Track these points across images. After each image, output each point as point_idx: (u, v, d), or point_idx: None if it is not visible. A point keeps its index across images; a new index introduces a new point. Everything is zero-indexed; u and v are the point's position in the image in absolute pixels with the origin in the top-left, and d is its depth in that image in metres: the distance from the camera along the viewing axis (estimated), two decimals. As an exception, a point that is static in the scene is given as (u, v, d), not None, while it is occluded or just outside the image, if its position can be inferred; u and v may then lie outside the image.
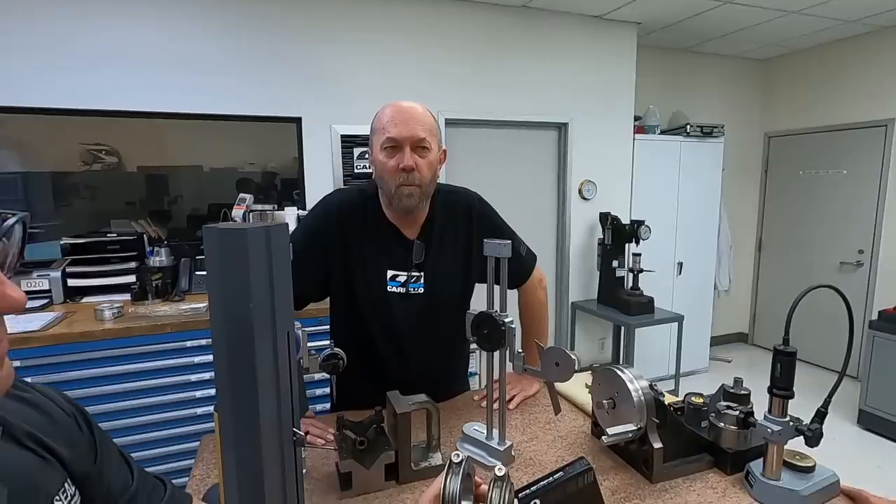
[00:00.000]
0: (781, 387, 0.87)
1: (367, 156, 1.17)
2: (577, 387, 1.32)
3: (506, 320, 0.96)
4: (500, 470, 0.58)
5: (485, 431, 1.06)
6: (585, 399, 1.26)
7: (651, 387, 0.98)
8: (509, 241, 0.96)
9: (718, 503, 0.90)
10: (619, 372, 0.99)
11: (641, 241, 3.20)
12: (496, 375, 1.04)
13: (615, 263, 3.30)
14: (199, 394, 2.02)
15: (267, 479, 0.75)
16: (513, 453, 1.04)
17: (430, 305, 1.20)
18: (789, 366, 0.87)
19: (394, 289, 1.18)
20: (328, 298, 1.25)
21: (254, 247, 0.70)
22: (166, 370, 1.98)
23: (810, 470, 0.92)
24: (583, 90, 3.41)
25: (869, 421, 3.07)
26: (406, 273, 1.19)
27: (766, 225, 4.71)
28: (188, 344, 1.99)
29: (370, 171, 1.18)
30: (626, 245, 3.31)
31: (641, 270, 3.24)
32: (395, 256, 1.18)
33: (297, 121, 2.78)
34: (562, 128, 3.43)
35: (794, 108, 4.40)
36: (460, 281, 1.24)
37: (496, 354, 1.00)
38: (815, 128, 4.23)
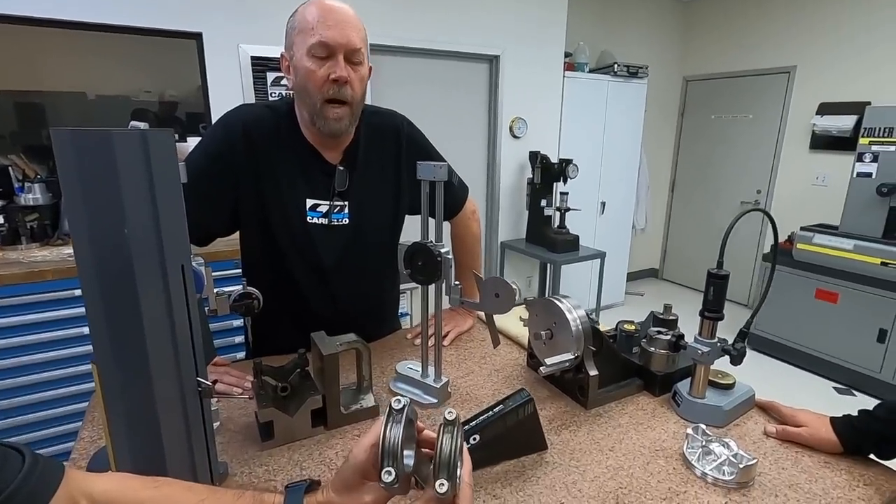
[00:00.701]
0: (713, 309, 0.88)
1: (281, 61, 0.97)
2: (512, 320, 1.30)
3: (442, 251, 0.88)
4: (450, 413, 0.51)
5: (419, 369, 1.00)
6: (520, 332, 1.25)
7: (587, 316, 0.96)
8: (445, 163, 0.86)
9: (648, 423, 0.92)
10: (557, 302, 0.96)
11: (569, 179, 3.24)
12: (431, 310, 0.97)
13: (543, 203, 3.33)
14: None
15: (166, 435, 0.64)
16: (449, 390, 0.99)
17: (356, 238, 1.09)
18: (721, 289, 0.87)
19: (314, 220, 1.05)
20: (238, 234, 1.10)
21: (125, 156, 0.54)
22: (49, 323, 1.73)
23: (731, 387, 0.96)
24: (515, 22, 3.26)
25: (758, 342, 3.46)
26: (328, 202, 1.06)
27: (680, 167, 4.98)
28: (77, 293, 1.74)
29: (286, 84, 1.01)
30: (555, 184, 3.34)
31: (568, 209, 3.30)
32: (314, 183, 1.05)
33: (198, 37, 2.41)
34: (493, 61, 3.29)
35: (711, 53, 4.55)
36: (389, 211, 1.13)
37: (432, 288, 0.93)
38: (729, 73, 4.43)
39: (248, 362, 1.12)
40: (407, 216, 1.20)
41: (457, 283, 0.90)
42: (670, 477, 0.78)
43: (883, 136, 2.85)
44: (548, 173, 3.28)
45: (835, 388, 3.11)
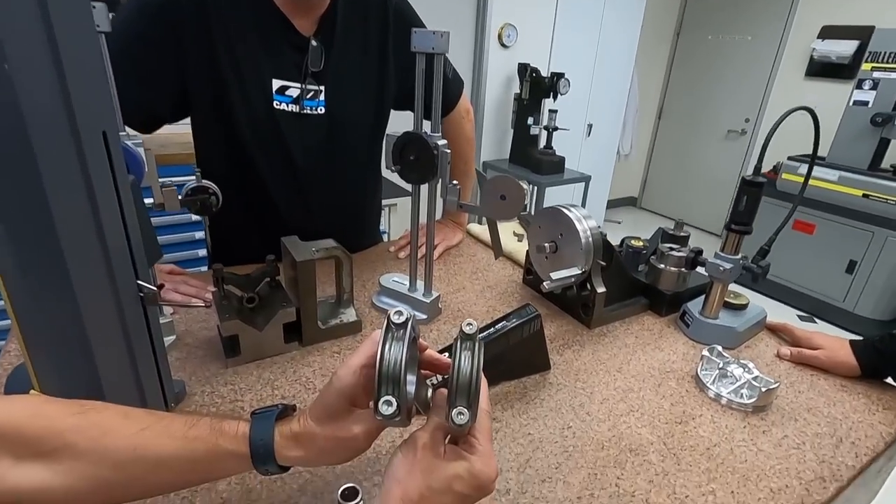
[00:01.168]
0: (742, 222, 0.79)
1: None
2: (506, 235, 1.19)
3: (439, 142, 0.73)
4: (469, 326, 0.40)
5: (406, 282, 0.89)
6: (514, 248, 1.14)
7: (598, 227, 0.85)
8: (447, 31, 0.69)
9: (656, 344, 0.85)
10: (565, 211, 0.85)
11: (560, 95, 3.03)
12: (423, 217, 0.84)
13: (530, 120, 3.13)
14: None
15: (100, 352, 0.51)
16: (439, 305, 0.89)
17: (333, 131, 0.93)
18: (756, 198, 0.77)
19: (283, 106, 0.88)
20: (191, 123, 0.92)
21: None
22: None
23: (744, 307, 0.89)
24: None
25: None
26: (299, 85, 0.88)
27: (670, 93, 4.79)
28: None
29: None
30: (543, 101, 3.13)
31: (556, 128, 3.12)
32: (283, 60, 0.86)
33: None
34: (484, -46, 2.93)
35: (716, -36, 4.22)
36: (373, 100, 0.96)
37: (424, 189, 0.79)
38: (732, -12, 4.14)
39: (209, 273, 0.99)
40: (393, 112, 1.03)
41: (454, 182, 0.76)
42: (683, 399, 0.71)
43: (887, 62, 2.72)
44: (537, 88, 3.06)
45: (798, 315, 3.22)
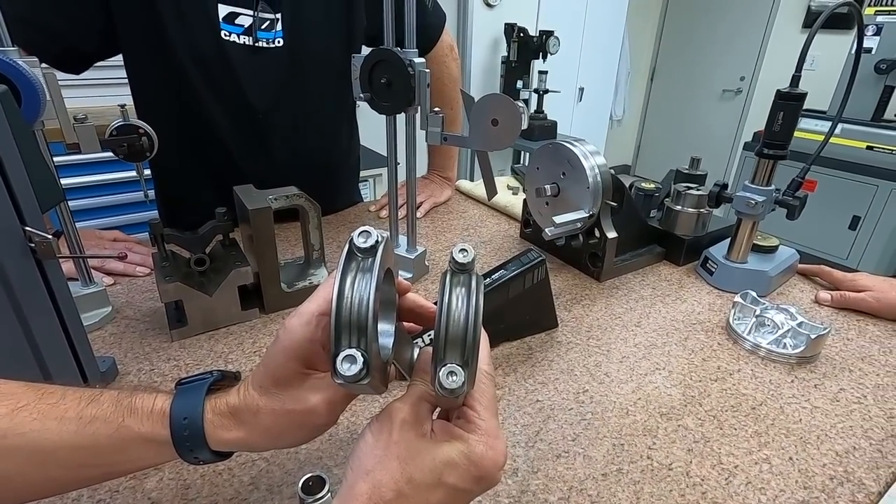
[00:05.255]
0: (777, 143, 0.67)
1: None
2: (498, 187, 1.07)
3: (415, 60, 0.60)
4: (463, 253, 0.28)
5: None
6: (508, 201, 1.02)
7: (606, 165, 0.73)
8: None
9: (677, 294, 0.74)
10: (570, 146, 0.72)
11: (550, 55, 2.88)
12: (401, 155, 0.71)
13: (520, 84, 2.98)
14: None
15: (-27, 318, 0.39)
16: (426, 263, 0.78)
17: (295, 67, 0.80)
18: (794, 114, 0.65)
19: (233, 38, 0.74)
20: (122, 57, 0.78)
21: None
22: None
23: (774, 249, 0.78)
24: None
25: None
26: (251, 13, 0.74)
27: (662, 52, 4.63)
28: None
29: None
30: (532, 62, 2.97)
31: (547, 91, 2.97)
32: None
33: None
34: None
35: (707, -86, 4.02)
36: (340, 29, 0.83)
37: (401, 119, 0.66)
38: (725, -62, 3.96)
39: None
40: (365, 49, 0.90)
41: (436, 109, 0.63)
42: (716, 353, 0.61)
43: (891, 6, 2.59)
44: (525, 49, 2.90)
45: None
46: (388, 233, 0.27)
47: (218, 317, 0.61)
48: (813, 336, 0.57)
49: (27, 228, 0.41)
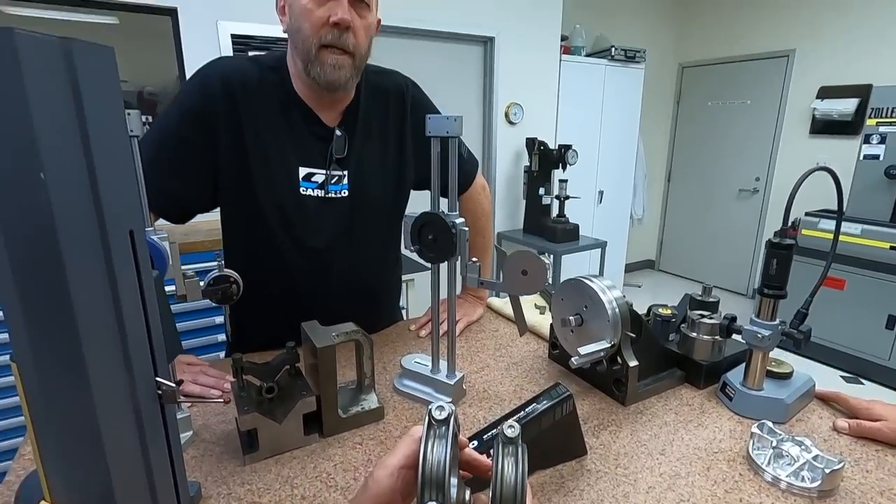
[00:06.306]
0: (775, 286, 0.76)
1: (277, 2, 0.82)
2: (526, 307, 1.16)
3: (456, 221, 0.74)
4: (511, 429, 0.38)
5: (429, 364, 0.86)
6: (536, 320, 1.11)
7: (623, 297, 0.83)
8: (461, 115, 0.72)
9: (699, 420, 0.79)
10: (588, 282, 0.83)
11: (569, 165, 3.11)
12: (443, 293, 0.83)
13: (542, 191, 3.20)
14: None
15: (113, 454, 0.49)
16: (464, 386, 0.86)
17: (355, 213, 0.95)
18: (786, 261, 0.74)
19: (309, 191, 0.91)
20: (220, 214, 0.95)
21: (37, 71, 0.39)
22: None
23: (789, 376, 0.83)
24: (510, 2, 3.12)
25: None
26: (324, 171, 0.91)
27: (676, 155, 4.89)
28: None
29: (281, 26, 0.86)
30: (553, 171, 3.21)
31: (568, 197, 3.17)
32: (309, 149, 0.90)
33: (172, 13, 2.24)
34: (488, 42, 3.15)
35: (707, 39, 4.46)
36: (393, 182, 0.99)
37: (443, 268, 0.79)
38: (725, 58, 4.35)
39: (227, 361, 0.97)
40: (413, 193, 1.06)
41: (474, 259, 0.75)
42: (738, 486, 0.65)
43: (891, 117, 2.76)
44: (546, 160, 3.15)
45: (842, 376, 3.03)
46: (454, 406, 0.37)
47: (284, 442, 0.70)
48: (828, 470, 0.61)
49: (158, 379, 0.52)
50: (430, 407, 0.37)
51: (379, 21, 0.89)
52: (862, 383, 2.96)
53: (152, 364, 0.52)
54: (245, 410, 0.67)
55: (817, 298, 0.79)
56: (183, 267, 0.72)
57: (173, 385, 0.53)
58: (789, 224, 0.74)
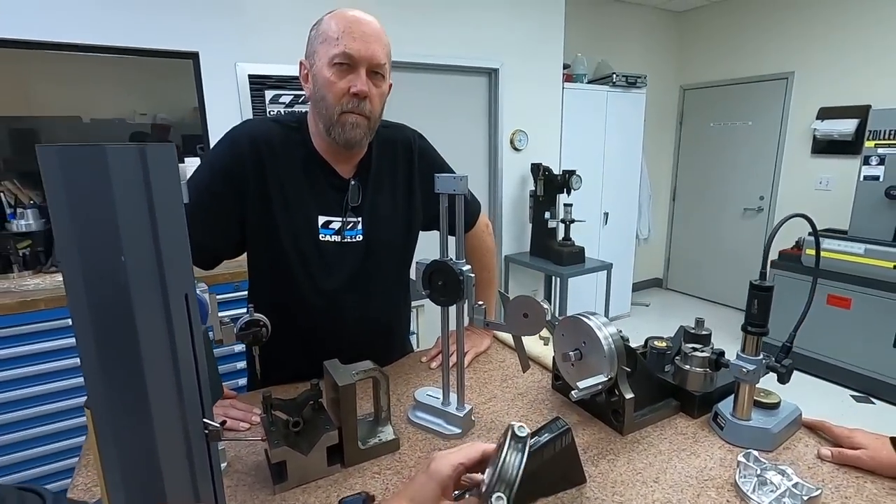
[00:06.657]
0: (757, 324, 0.82)
1: (300, 68, 0.92)
2: (531, 339, 1.23)
3: (464, 269, 0.82)
4: (521, 429, 0.49)
5: (440, 396, 0.93)
6: (541, 352, 1.18)
7: (619, 333, 0.90)
8: (466, 175, 0.81)
9: (692, 449, 0.85)
10: (585, 319, 0.90)
11: (573, 190, 3.19)
12: (452, 324, 0.90)
13: (547, 215, 3.28)
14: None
15: (170, 488, 0.57)
16: (472, 418, 0.92)
17: (369, 255, 1.04)
18: (765, 301, 0.81)
19: (327, 237, 1.00)
20: (244, 256, 1.04)
21: (121, 173, 0.48)
22: (44, 354, 1.65)
23: (776, 406, 0.89)
24: (513, 36, 3.25)
25: (771, 351, 3.38)
26: (340, 219, 1.00)
27: (680, 175, 4.96)
28: (70, 322, 1.66)
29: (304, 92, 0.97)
30: (558, 196, 3.30)
31: (573, 221, 3.25)
32: (326, 199, 0.99)
33: (194, 57, 2.38)
34: (492, 74, 3.27)
35: (707, 62, 4.57)
36: (403, 226, 1.08)
37: (452, 309, 0.87)
38: (725, 80, 4.44)
39: (253, 394, 1.05)
40: (422, 233, 1.15)
41: (480, 302, 0.83)
42: (725, 511, 0.71)
43: (889, 139, 2.82)
44: (551, 185, 3.24)
45: (852, 395, 3.03)
46: (527, 429, 0.50)
47: (310, 472, 0.77)
48: (806, 497, 0.67)
49: (205, 420, 0.60)
50: (512, 424, 0.48)
51: (391, 85, 0.99)
52: (873, 402, 2.96)
53: (201, 406, 0.60)
54: (275, 444, 0.74)
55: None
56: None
57: (217, 425, 0.60)
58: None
